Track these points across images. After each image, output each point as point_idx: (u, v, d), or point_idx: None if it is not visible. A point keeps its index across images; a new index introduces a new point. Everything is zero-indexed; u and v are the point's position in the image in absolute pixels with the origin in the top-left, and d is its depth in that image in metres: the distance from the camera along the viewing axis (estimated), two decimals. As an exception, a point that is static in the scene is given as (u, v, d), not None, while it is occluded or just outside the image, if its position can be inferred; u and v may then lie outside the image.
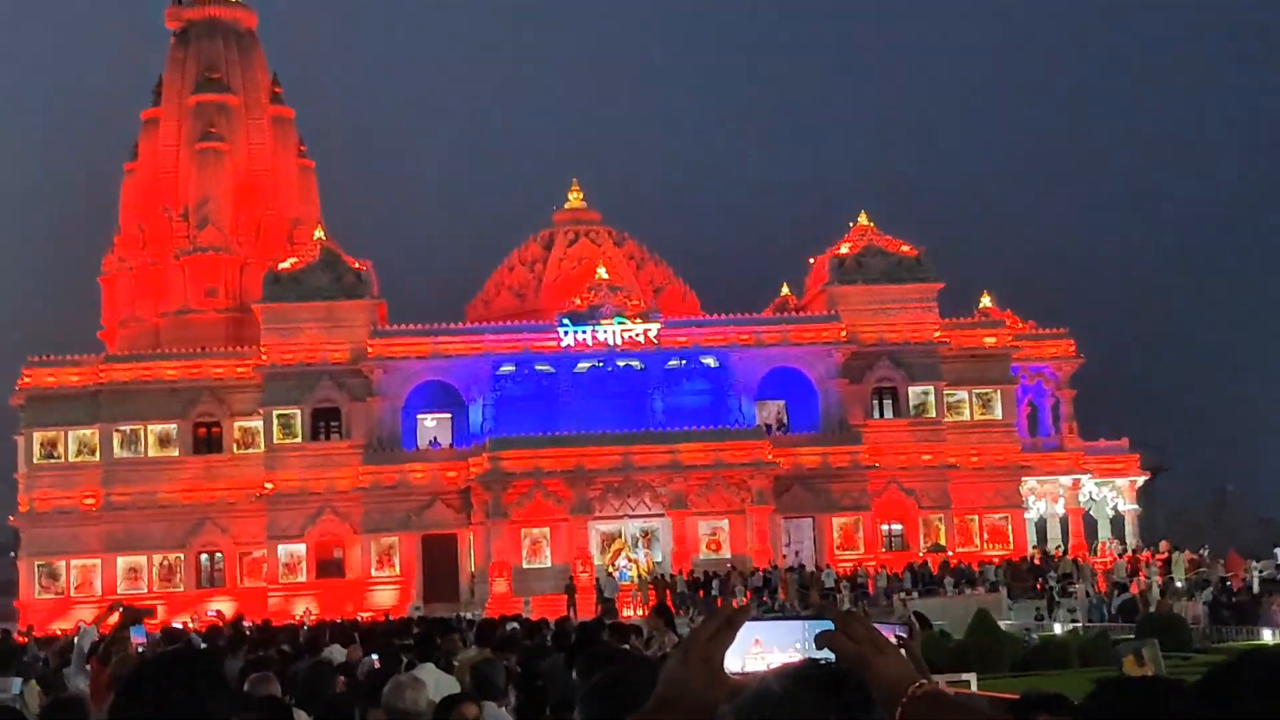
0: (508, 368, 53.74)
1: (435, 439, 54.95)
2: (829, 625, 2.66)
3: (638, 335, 52.97)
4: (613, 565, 49.89)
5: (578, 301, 54.20)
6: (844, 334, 54.57)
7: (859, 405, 54.55)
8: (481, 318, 59.75)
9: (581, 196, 64.89)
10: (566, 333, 53.05)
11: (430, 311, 57.41)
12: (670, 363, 53.71)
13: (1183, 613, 30.32)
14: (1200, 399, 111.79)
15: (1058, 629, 31.84)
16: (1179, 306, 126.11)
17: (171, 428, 53.52)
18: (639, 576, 48.13)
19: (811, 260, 58.59)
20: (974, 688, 16.06)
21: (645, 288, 59.79)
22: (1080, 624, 33.14)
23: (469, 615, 33.10)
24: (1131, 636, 22.77)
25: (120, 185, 62.77)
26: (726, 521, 51.34)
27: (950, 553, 50.53)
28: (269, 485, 52.03)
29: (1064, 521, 58.70)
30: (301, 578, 51.71)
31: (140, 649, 11.23)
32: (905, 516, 54.05)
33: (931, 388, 54.93)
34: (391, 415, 53.22)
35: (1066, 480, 57.85)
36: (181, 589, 52.43)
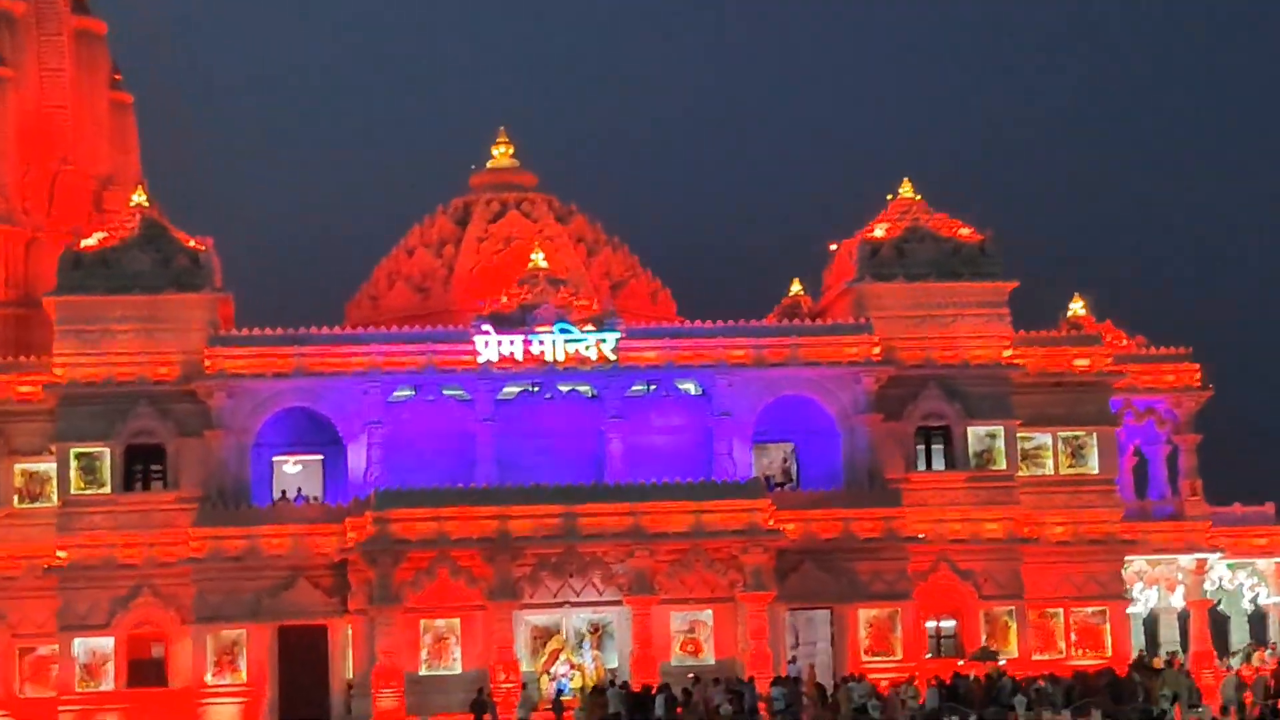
0: (403, 392, 52.86)
1: (299, 491, 54.25)
2: None
3: (588, 348, 52.70)
4: (548, 673, 50.09)
5: (504, 299, 53.59)
6: (878, 350, 54.16)
7: (897, 451, 54.02)
8: (368, 321, 59.22)
9: (511, 152, 64.27)
10: (487, 344, 52.42)
11: (296, 311, 56.82)
12: (634, 387, 53.37)
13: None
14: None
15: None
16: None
17: (-80, 470, 52.98)
18: (583, 689, 48.05)
19: (833, 247, 57.93)
20: None
21: (600, 282, 59.62)
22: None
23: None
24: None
25: None
26: (709, 613, 51.30)
27: (1001, 660, 50.27)
28: (62, 554, 51.41)
29: (1183, 618, 58.11)
30: (108, 685, 51.11)
31: None
32: (961, 609, 53.48)
33: (1000, 428, 54.39)
34: (237, 457, 52.41)
35: (1188, 560, 57.36)
36: (-70, 703, 51.45)
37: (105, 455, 51.75)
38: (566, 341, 52.65)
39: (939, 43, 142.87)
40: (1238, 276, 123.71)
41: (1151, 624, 58.97)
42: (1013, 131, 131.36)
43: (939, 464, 54.35)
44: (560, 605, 50.63)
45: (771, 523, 50.21)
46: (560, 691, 48.39)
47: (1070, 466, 55.75)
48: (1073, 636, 54.57)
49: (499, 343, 52.46)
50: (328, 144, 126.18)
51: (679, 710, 44.22)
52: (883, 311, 54.76)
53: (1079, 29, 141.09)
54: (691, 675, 48.25)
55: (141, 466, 52.15)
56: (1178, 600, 58.03)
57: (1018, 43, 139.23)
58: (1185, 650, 56.69)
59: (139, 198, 55.47)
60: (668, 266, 65.75)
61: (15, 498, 52.78)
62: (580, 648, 50.75)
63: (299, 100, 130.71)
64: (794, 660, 50.68)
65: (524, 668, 49.34)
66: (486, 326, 52.60)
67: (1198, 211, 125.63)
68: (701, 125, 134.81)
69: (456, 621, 50.49)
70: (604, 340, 52.83)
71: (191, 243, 53.83)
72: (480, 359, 52.37)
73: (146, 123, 63.98)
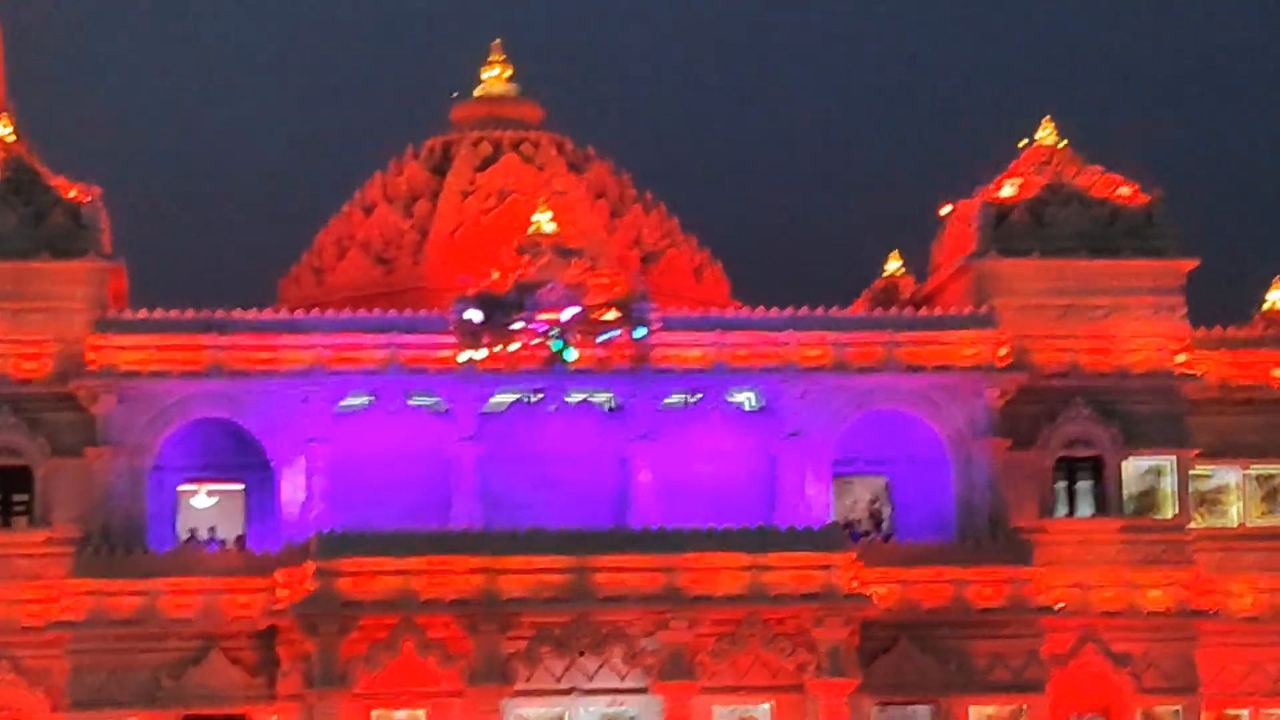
0: (356, 399, 52.60)
1: (213, 532, 53.55)
2: None
3: (609, 344, 52.40)
4: None
5: (495, 277, 52.82)
6: (1005, 352, 53.58)
7: (1030, 490, 53.65)
8: (310, 302, 58.82)
9: (509, 75, 63.85)
10: (472, 336, 51.97)
11: (213, 288, 58.29)
12: (671, 398, 53.11)
13: None
14: None
15: None
16: None
17: None
18: None
19: (945, 210, 57.70)
20: None
21: (627, 253, 59.47)
22: None
23: None
24: None
25: None
26: (768, 706, 50.12)
27: None
28: None
29: None
30: None
31: None
32: (1113, 705, 52.68)
33: (1169, 461, 54.01)
34: (130, 484, 51.90)
35: None
36: None
37: (-51, 480, 51.94)
38: (581, 333, 52.15)
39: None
40: None
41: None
42: (1190, 63, 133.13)
43: (1085, 508, 54.03)
44: (567, 693, 49.52)
45: (856, 585, 49.41)
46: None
47: (1264, 515, 55.63)
48: (1267, 750, 54.08)
49: (488, 335, 51.76)
50: (258, 66, 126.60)
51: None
52: (1012, 299, 54.36)
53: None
54: None
55: (0, 496, 51.99)
56: None
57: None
58: None
59: (3, 129, 55.01)
60: (719, 235, 65.69)
61: None
62: (595, 753, 49.89)
63: (220, 11, 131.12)
64: None
65: (519, 781, 48.92)
66: (471, 312, 51.96)
67: None
68: (764, 49, 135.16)
69: (422, 713, 49.32)
70: (632, 331, 52.35)
71: (72, 193, 53.53)
72: (462, 356, 51.88)
73: (13, 41, 62.61)
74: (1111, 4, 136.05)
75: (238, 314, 52.96)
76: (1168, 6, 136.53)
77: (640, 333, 52.19)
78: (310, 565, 48.00)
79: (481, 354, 51.73)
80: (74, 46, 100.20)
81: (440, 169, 61.29)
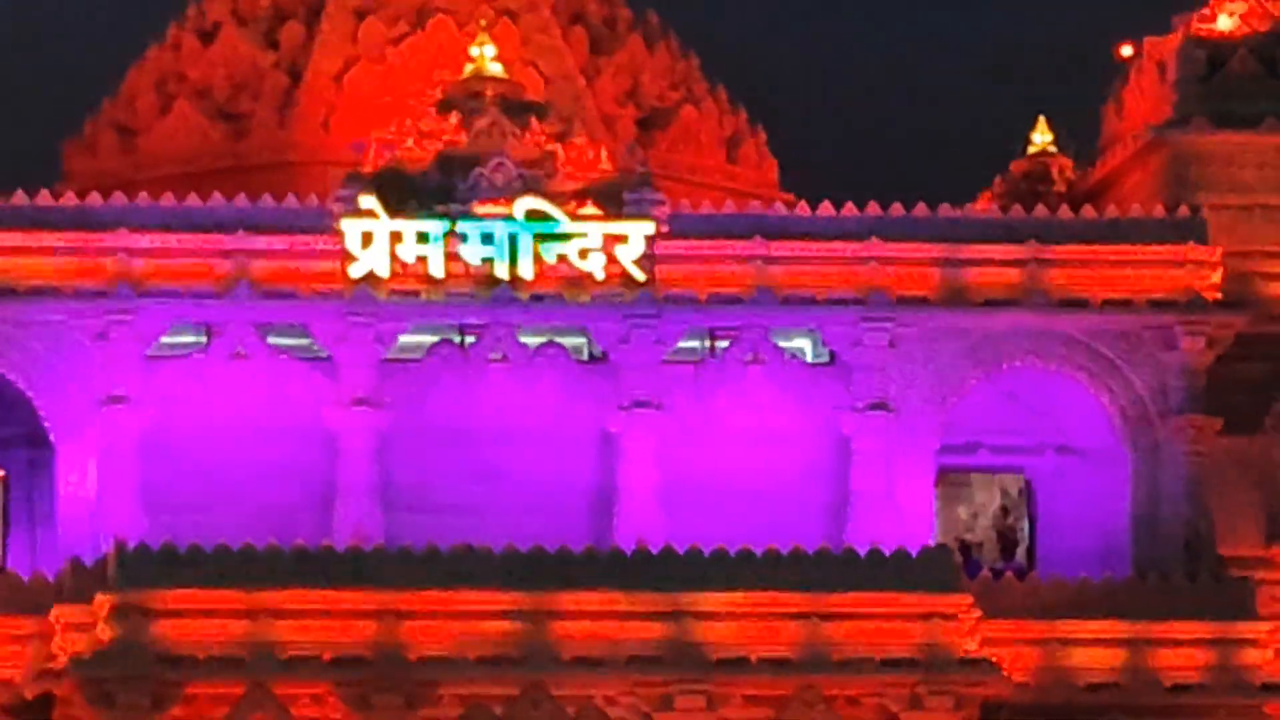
0: (182, 337, 52.82)
1: None
2: None
3: (586, 254, 52.59)
4: None
5: (409, 145, 53.68)
6: (1217, 278, 53.65)
7: (1254, 500, 54.00)
8: (112, 180, 58.65)
9: None
10: (368, 237, 52.42)
11: None
12: (683, 343, 53.44)
13: None
14: None
15: None
16: None
17: None
18: None
19: (1125, 51, 58.55)
20: None
21: (617, 111, 60.70)
22: None
23: None
24: None
25: None
26: None
27: None
28: None
29: None
30: None
31: None
32: None
33: None
34: None
35: None
36: None
37: None
38: (542, 238, 52.10)
39: None
40: None
41: None
42: None
43: None
44: None
45: (974, 645, 48.94)
46: None
47: None
48: None
49: (393, 236, 51.89)
50: None
51: None
52: (1232, 196, 54.63)
53: None
54: None
55: None
56: None
57: None
58: None
59: None
60: (763, 93, 68.72)
61: None
62: None
63: None
64: None
65: None
66: (368, 200, 51.94)
67: None
68: None
69: None
70: (624, 237, 51.52)
71: None
72: (354, 270, 51.92)
73: None
74: None
75: (5, 202, 52.80)
76: None
77: (637, 239, 51.78)
78: (107, 599, 46.86)
79: (384, 268, 51.39)
80: None
81: None
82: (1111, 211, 54.83)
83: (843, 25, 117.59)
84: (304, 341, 51.88)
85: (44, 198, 53.48)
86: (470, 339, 52.18)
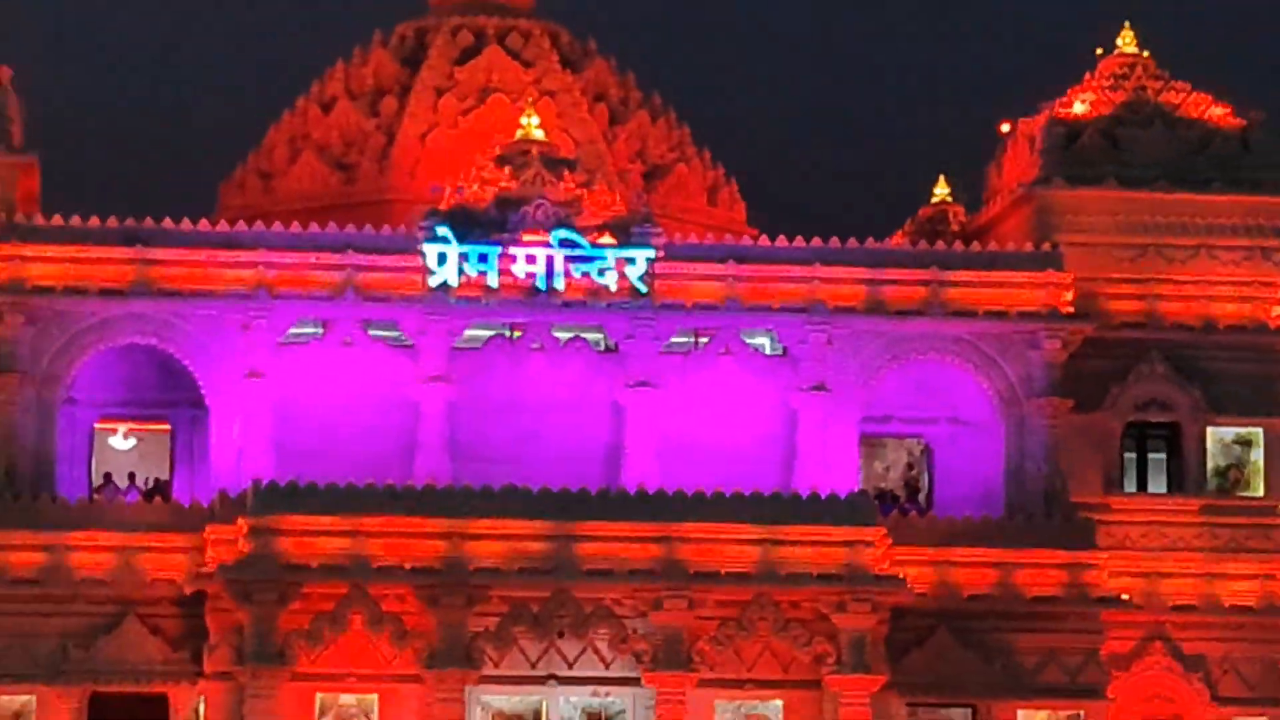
0: (305, 329, 52.83)
1: (133, 479, 53.64)
2: None
3: (604, 273, 52.31)
4: None
5: (474, 189, 53.13)
6: (1070, 296, 53.72)
7: (1094, 460, 53.66)
8: (254, 212, 58.03)
9: None
10: (443, 258, 51.87)
11: (140, 190, 59.72)
12: (675, 339, 53.21)
13: None
14: None
15: None
16: None
17: None
18: None
19: (1006, 128, 58.48)
20: None
21: (628, 166, 59.99)
22: None
23: None
24: None
25: None
26: (779, 705, 50.05)
27: None
28: None
29: None
30: None
31: None
32: (1185, 716, 52.59)
33: (1259, 431, 54.00)
34: (38, 418, 51.73)
35: None
36: None
37: None
38: (571, 261, 52.18)
39: None
40: None
41: None
42: None
43: (1159, 484, 54.11)
44: (543, 681, 49.26)
45: (886, 565, 49.35)
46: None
47: None
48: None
49: (462, 257, 51.94)
50: None
51: None
52: (1081, 235, 54.47)
53: None
54: None
55: (-120, 431, 53.85)
56: None
57: None
58: None
59: None
60: (736, 152, 66.04)
61: None
62: (571, 755, 51.07)
63: None
64: None
65: (479, 782, 49.97)
66: (443, 230, 51.97)
67: None
68: None
69: (374, 699, 48.82)
70: (631, 261, 52.18)
71: None
72: (432, 281, 51.88)
73: None
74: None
75: (169, 225, 52.43)
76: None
77: (641, 262, 51.68)
78: (246, 522, 47.50)
79: (454, 280, 51.20)
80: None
81: (412, 60, 61.48)
82: (993, 247, 55.15)
83: (800, 101, 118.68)
84: (394, 333, 51.98)
85: (204, 225, 53.31)
86: (517, 334, 52.39)
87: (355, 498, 48.27)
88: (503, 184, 52.12)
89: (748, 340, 52.71)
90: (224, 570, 47.21)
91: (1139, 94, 55.58)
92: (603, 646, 48.48)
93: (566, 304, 51.71)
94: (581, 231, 51.57)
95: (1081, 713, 50.06)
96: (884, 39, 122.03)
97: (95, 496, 51.89)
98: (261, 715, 47.40)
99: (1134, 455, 53.54)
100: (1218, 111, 55.28)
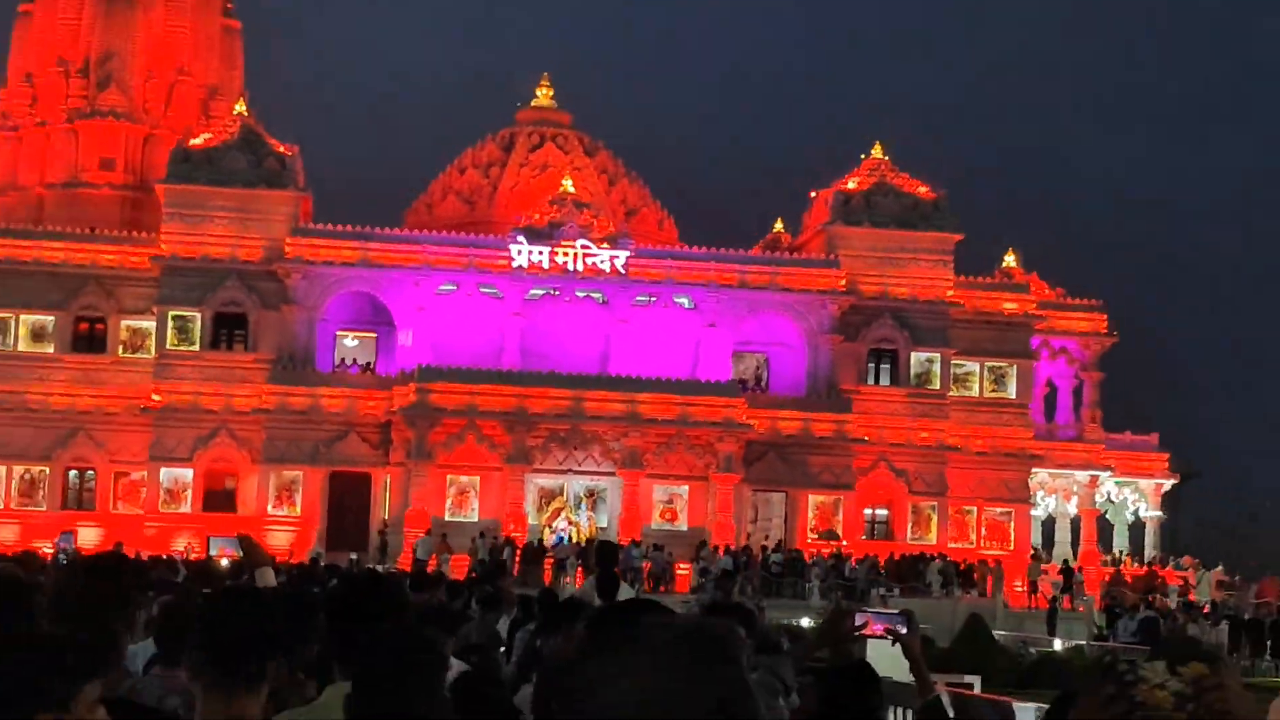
0: (448, 286, 53.68)
1: (355, 361, 55.26)
2: None
3: (603, 262, 53.07)
4: (549, 526, 49.80)
5: (537, 216, 54.13)
6: (843, 283, 54.74)
7: (852, 367, 54.82)
8: (423, 225, 59.33)
9: (552, 94, 64.82)
10: (520, 251, 52.92)
11: (362, 214, 56.53)
12: (638, 298, 53.93)
13: (1201, 636, 30.94)
14: (1244, 401, 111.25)
15: (1058, 645, 32.49)
16: (1237, 293, 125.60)
17: (48, 320, 53.19)
18: (577, 542, 47.60)
19: (813, 194, 58.64)
20: (978, 690, 16.96)
21: (616, 208, 59.70)
22: (1085, 641, 34.11)
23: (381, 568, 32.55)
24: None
25: (11, 28, 61.89)
26: (686, 489, 51.35)
27: (844, 542, 49.96)
28: (156, 397, 51.65)
29: (1075, 523, 59.25)
30: (186, 508, 51.05)
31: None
32: (893, 501, 54.34)
33: (937, 355, 55.17)
34: (307, 328, 53.03)
35: (1083, 476, 58.24)
36: (44, 508, 52.04)
37: (197, 319, 52.24)
38: (586, 255, 52.71)
39: (922, 20, 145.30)
40: (1151, 242, 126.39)
41: (1049, 526, 60.26)
42: (974, 107, 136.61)
43: (885, 380, 54.83)
44: (564, 472, 50.73)
45: (744, 418, 50.70)
46: (559, 541, 48.08)
47: (992, 391, 56.66)
48: (983, 530, 55.38)
49: (530, 252, 52.66)
50: (398, 75, 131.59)
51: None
52: (849, 251, 55.02)
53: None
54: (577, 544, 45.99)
55: (227, 331, 52.62)
56: (1072, 508, 59.28)
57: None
58: (1076, 550, 57.88)
59: (240, 107, 56.51)
60: (675, 200, 66.32)
61: (120, 348, 53.59)
62: (578, 509, 50.69)
63: (377, 36, 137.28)
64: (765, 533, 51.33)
65: (530, 521, 49.51)
66: (520, 237, 52.85)
67: (1121, 181, 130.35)
68: (717, 87, 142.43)
69: (477, 479, 50.30)
70: (617, 257, 52.91)
71: (281, 148, 54.47)
72: (514, 264, 52.86)
73: (251, 44, 65.08)
74: (935, 65, 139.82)
75: (378, 230, 53.88)
76: (971, 67, 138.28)
77: (622, 258, 52.57)
78: (413, 385, 49.36)
79: (525, 264, 52.34)
80: (285, 51, 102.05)
81: (507, 148, 62.04)
82: (805, 255, 54.75)
83: (715, 147, 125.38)
84: (494, 291, 52.57)
85: (397, 231, 54.65)
86: (556, 292, 52.66)
87: (471, 376, 49.73)
88: (552, 215, 53.11)
89: (676, 300, 53.55)
90: (402, 410, 49.32)
91: (883, 179, 55.94)
92: (596, 455, 50.13)
93: (583, 278, 52.48)
94: (592, 241, 52.52)
95: (841, 498, 51.74)
96: (759, 141, 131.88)
97: (335, 369, 53.54)
98: (418, 487, 48.79)
99: (873, 366, 54.35)
100: (923, 189, 56.02)
